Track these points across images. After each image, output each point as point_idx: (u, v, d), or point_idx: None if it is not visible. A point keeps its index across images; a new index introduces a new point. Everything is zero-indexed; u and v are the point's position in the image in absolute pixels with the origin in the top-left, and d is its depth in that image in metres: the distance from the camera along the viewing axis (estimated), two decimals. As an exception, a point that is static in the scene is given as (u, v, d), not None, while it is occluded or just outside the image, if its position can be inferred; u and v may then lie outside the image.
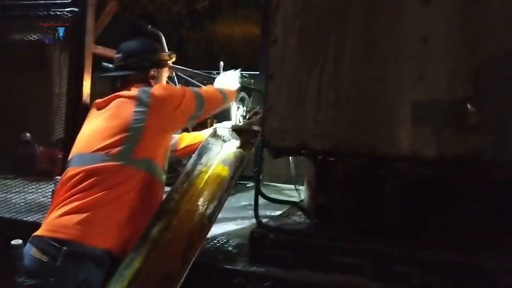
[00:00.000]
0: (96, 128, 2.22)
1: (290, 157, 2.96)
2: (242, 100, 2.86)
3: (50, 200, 2.39)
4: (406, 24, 1.91)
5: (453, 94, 1.85)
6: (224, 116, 2.94)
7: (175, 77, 3.87)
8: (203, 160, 2.47)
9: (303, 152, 2.21)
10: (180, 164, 3.28)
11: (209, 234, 2.31)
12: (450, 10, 1.87)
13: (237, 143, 2.61)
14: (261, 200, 2.28)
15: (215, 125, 2.68)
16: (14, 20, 2.81)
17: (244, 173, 3.59)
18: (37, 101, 3.04)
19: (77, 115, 2.55)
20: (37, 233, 2.01)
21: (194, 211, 2.24)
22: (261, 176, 3.91)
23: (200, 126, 3.14)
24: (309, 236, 2.14)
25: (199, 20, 5.78)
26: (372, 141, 1.96)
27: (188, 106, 2.36)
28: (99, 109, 2.33)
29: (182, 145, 2.74)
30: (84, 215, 2.00)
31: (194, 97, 2.41)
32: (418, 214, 2.09)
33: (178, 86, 2.88)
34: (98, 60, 2.75)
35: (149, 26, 3.81)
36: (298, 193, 3.00)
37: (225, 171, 2.43)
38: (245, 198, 3.32)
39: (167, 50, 3.62)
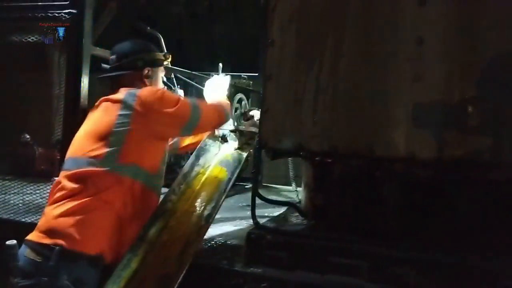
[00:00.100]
0: (85, 132, 2.22)
1: (289, 159, 2.95)
2: (240, 101, 2.86)
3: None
4: (402, 25, 1.92)
5: (449, 95, 1.85)
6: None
7: (173, 79, 3.88)
8: (201, 161, 2.47)
9: (300, 153, 2.21)
10: (179, 166, 3.29)
11: (207, 235, 2.31)
12: (446, 11, 1.87)
13: (235, 144, 2.61)
14: (259, 201, 2.28)
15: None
16: (12, 21, 2.81)
17: (244, 175, 3.61)
18: (36, 102, 3.04)
19: (75, 116, 2.56)
20: (29, 237, 2.02)
21: (191, 212, 2.24)
22: (260, 178, 3.95)
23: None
24: (306, 237, 2.14)
25: (199, 22, 5.78)
26: (369, 142, 1.96)
27: (180, 114, 2.27)
28: (92, 112, 2.33)
29: (186, 142, 2.75)
30: (75, 218, 2.00)
31: (190, 106, 2.32)
32: (415, 215, 2.09)
33: (180, 95, 2.78)
34: (97, 61, 2.75)
35: (148, 28, 3.83)
36: (296, 194, 3.00)
37: (223, 173, 2.44)
38: (244, 199, 3.32)
39: (165, 51, 3.62)
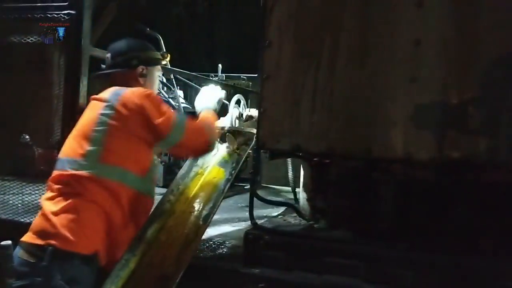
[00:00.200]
0: (74, 132, 2.21)
1: (288, 159, 2.96)
2: (238, 102, 2.86)
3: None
4: (399, 26, 1.92)
5: (446, 96, 1.86)
6: (220, 117, 2.94)
7: (173, 80, 3.88)
8: (199, 162, 2.48)
9: (298, 154, 2.22)
10: (177, 166, 3.30)
11: (205, 236, 2.32)
12: (444, 13, 1.88)
13: (233, 145, 2.61)
14: (259, 202, 2.29)
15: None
16: (11, 22, 2.81)
17: (243, 175, 3.61)
18: (35, 103, 3.05)
19: (73, 117, 2.56)
20: (23, 238, 2.02)
21: (189, 212, 2.25)
22: (259, 178, 3.95)
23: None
24: (303, 238, 2.15)
25: (199, 22, 5.78)
26: (366, 143, 1.97)
27: (159, 128, 2.14)
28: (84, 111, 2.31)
29: None
30: (67, 219, 1.99)
31: (173, 123, 2.18)
32: (412, 215, 2.10)
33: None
34: (96, 62, 2.76)
35: (148, 29, 3.84)
36: (295, 195, 3.01)
37: (221, 173, 2.45)
38: (243, 200, 3.33)
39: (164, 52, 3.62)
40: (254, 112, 2.76)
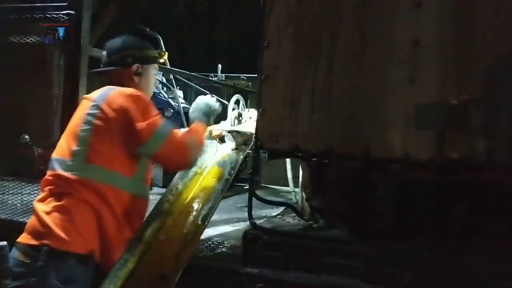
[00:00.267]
0: (65, 132, 2.21)
1: (287, 160, 2.97)
2: (237, 102, 2.87)
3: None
4: (398, 27, 1.93)
5: (444, 97, 1.86)
6: (219, 117, 2.94)
7: (172, 80, 3.89)
8: (198, 162, 2.47)
9: (297, 154, 2.22)
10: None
11: (204, 236, 2.32)
12: (442, 13, 1.88)
13: (232, 145, 2.62)
14: (259, 203, 2.29)
15: (210, 127, 2.67)
16: (10, 22, 2.82)
17: (242, 176, 3.62)
18: (35, 103, 3.06)
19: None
20: (18, 239, 2.02)
21: (188, 212, 2.25)
22: (259, 179, 3.96)
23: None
24: (302, 238, 2.15)
25: (199, 22, 5.79)
26: (364, 143, 1.97)
27: (140, 132, 2.06)
28: None
29: None
30: (59, 218, 1.98)
31: (155, 131, 2.08)
32: (411, 216, 2.10)
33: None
34: (96, 62, 2.76)
35: (147, 29, 3.85)
36: (294, 195, 3.01)
37: (220, 173, 2.45)
38: (242, 200, 3.33)
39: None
40: (253, 112, 2.77)
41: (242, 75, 4.28)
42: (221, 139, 2.66)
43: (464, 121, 1.84)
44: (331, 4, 2.03)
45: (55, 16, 2.62)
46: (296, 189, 2.79)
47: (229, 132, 2.64)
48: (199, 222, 2.21)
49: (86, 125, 2.09)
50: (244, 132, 2.62)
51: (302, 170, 2.59)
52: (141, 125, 2.06)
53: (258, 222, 2.28)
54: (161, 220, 2.22)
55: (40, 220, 2.00)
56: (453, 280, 1.85)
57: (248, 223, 2.27)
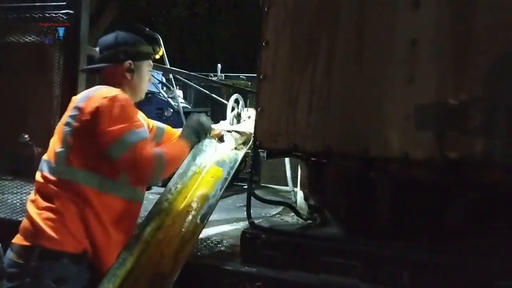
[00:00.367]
0: (54, 134, 2.17)
1: (286, 159, 2.97)
2: (237, 102, 2.87)
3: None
4: (396, 27, 1.93)
5: (442, 96, 1.86)
6: (218, 117, 2.95)
7: (172, 80, 3.90)
8: (197, 161, 2.48)
9: (295, 153, 2.22)
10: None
11: (203, 235, 2.33)
12: (440, 12, 1.88)
13: (231, 144, 2.62)
14: (258, 202, 2.30)
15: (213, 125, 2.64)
16: (9, 22, 2.82)
17: (242, 175, 3.62)
18: (35, 102, 3.06)
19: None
20: (13, 240, 2.02)
21: (187, 211, 2.25)
22: (258, 178, 3.96)
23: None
24: (300, 237, 2.16)
25: (199, 22, 5.80)
26: (363, 143, 1.97)
27: (109, 136, 1.99)
28: None
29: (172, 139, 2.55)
30: (51, 218, 1.98)
31: (122, 135, 2.00)
32: (409, 215, 2.10)
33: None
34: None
35: (147, 29, 3.85)
36: (293, 194, 3.01)
37: (219, 172, 2.45)
38: (241, 200, 3.32)
39: (164, 53, 3.63)
40: (252, 112, 2.77)
41: (242, 75, 4.29)
42: (220, 139, 2.66)
43: (463, 121, 1.85)
44: (329, 3, 2.03)
45: (54, 15, 2.62)
46: (295, 189, 2.79)
47: (228, 131, 2.64)
48: (198, 221, 2.21)
49: (67, 126, 2.07)
50: (243, 131, 2.62)
51: (300, 169, 2.59)
52: (109, 128, 2.00)
53: (256, 221, 2.29)
54: (160, 219, 2.22)
55: (31, 220, 2.00)
56: (451, 280, 1.86)
57: (246, 222, 2.28)
